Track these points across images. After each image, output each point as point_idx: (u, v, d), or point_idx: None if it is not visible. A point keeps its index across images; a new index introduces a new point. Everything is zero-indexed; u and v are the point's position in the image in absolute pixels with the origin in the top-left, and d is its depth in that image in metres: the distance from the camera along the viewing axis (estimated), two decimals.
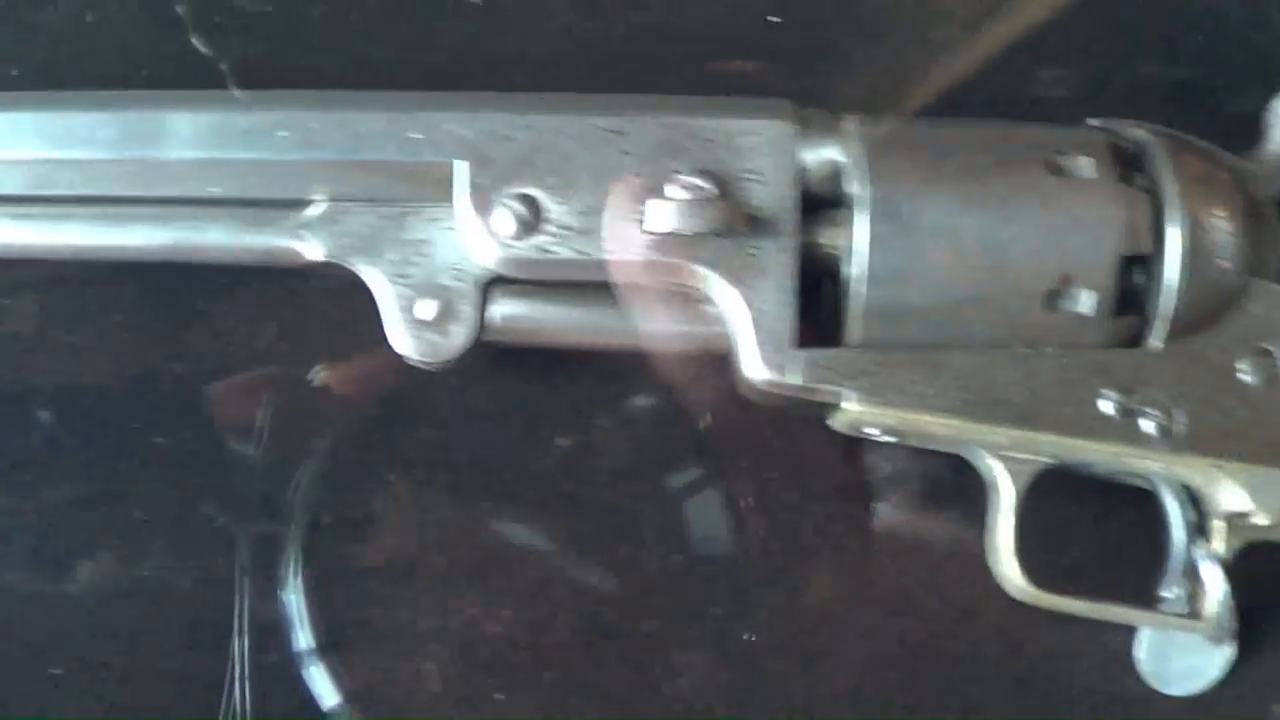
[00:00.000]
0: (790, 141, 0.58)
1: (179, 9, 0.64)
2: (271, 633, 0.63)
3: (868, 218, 0.56)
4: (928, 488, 0.65)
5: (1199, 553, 0.60)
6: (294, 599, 0.63)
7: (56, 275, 0.64)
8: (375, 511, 0.63)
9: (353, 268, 0.58)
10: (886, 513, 0.65)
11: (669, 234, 0.56)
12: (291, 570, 0.63)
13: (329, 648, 0.63)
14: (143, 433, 0.64)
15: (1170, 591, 0.61)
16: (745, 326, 0.57)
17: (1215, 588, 0.59)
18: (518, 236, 0.57)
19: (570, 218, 0.57)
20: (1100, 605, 0.60)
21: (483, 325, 0.58)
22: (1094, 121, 0.60)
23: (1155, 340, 0.58)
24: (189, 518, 0.63)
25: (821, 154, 0.58)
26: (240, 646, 0.62)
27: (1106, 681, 0.64)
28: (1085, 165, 0.58)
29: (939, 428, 0.58)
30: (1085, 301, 0.57)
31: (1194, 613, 0.60)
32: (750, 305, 0.57)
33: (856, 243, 0.56)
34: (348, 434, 0.64)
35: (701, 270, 0.57)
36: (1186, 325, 0.58)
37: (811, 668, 0.64)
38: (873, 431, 0.59)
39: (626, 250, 0.57)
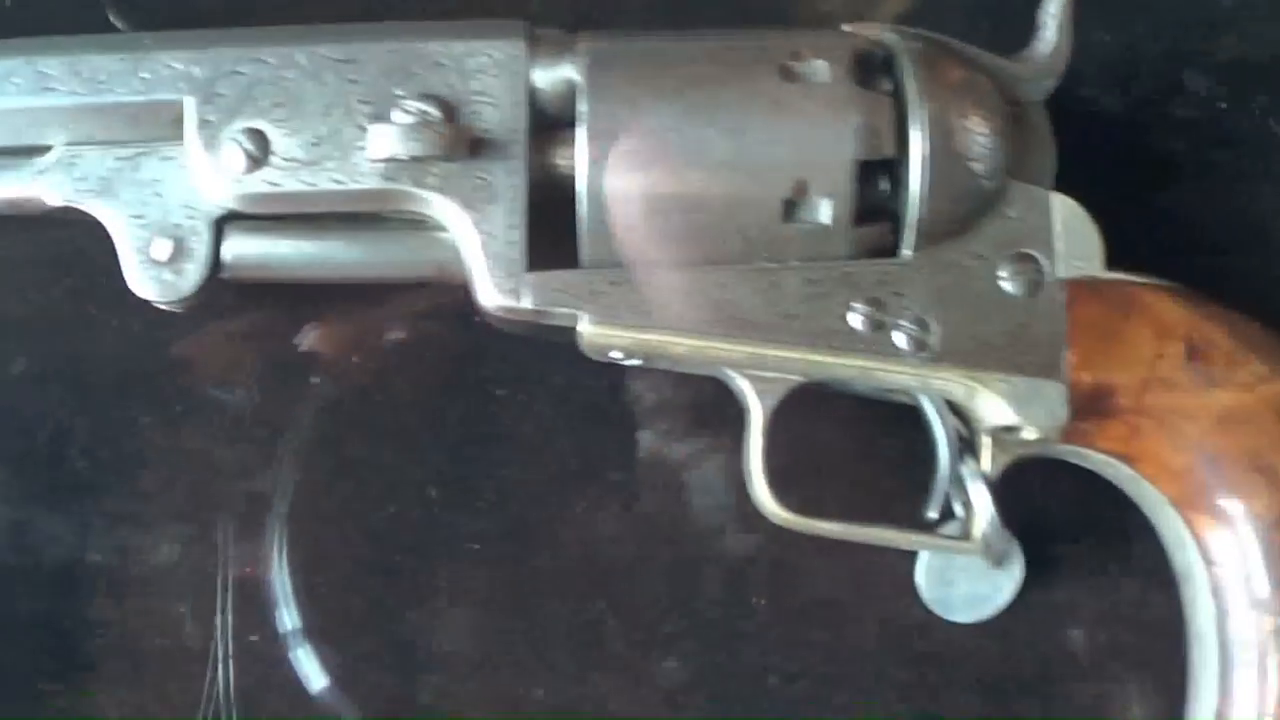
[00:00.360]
0: (521, 62, 0.56)
1: None
2: (258, 611, 0.62)
3: (585, 134, 0.55)
4: (698, 414, 0.63)
5: (966, 471, 0.57)
6: (280, 580, 0.63)
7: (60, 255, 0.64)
8: (129, 452, 0.63)
9: (91, 211, 0.58)
10: (654, 441, 0.63)
11: (390, 159, 0.55)
12: (277, 548, 0.63)
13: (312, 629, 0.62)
14: (129, 413, 0.64)
15: (940, 512, 0.58)
16: (476, 252, 0.56)
17: (983, 507, 0.57)
18: (247, 171, 0.56)
19: (297, 150, 0.56)
20: (858, 528, 0.57)
21: (217, 263, 0.57)
22: (846, 27, 0.58)
23: (906, 249, 0.56)
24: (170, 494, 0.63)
25: (556, 74, 0.56)
26: (224, 625, 0.62)
27: (890, 609, 0.61)
28: (821, 69, 0.55)
29: (678, 348, 0.56)
30: (824, 210, 0.55)
31: (963, 534, 0.58)
32: (480, 230, 0.56)
33: (578, 161, 0.55)
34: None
35: (428, 195, 0.56)
36: (938, 232, 0.56)
37: (588, 606, 0.62)
38: (617, 355, 0.57)
39: (352, 179, 0.56)
